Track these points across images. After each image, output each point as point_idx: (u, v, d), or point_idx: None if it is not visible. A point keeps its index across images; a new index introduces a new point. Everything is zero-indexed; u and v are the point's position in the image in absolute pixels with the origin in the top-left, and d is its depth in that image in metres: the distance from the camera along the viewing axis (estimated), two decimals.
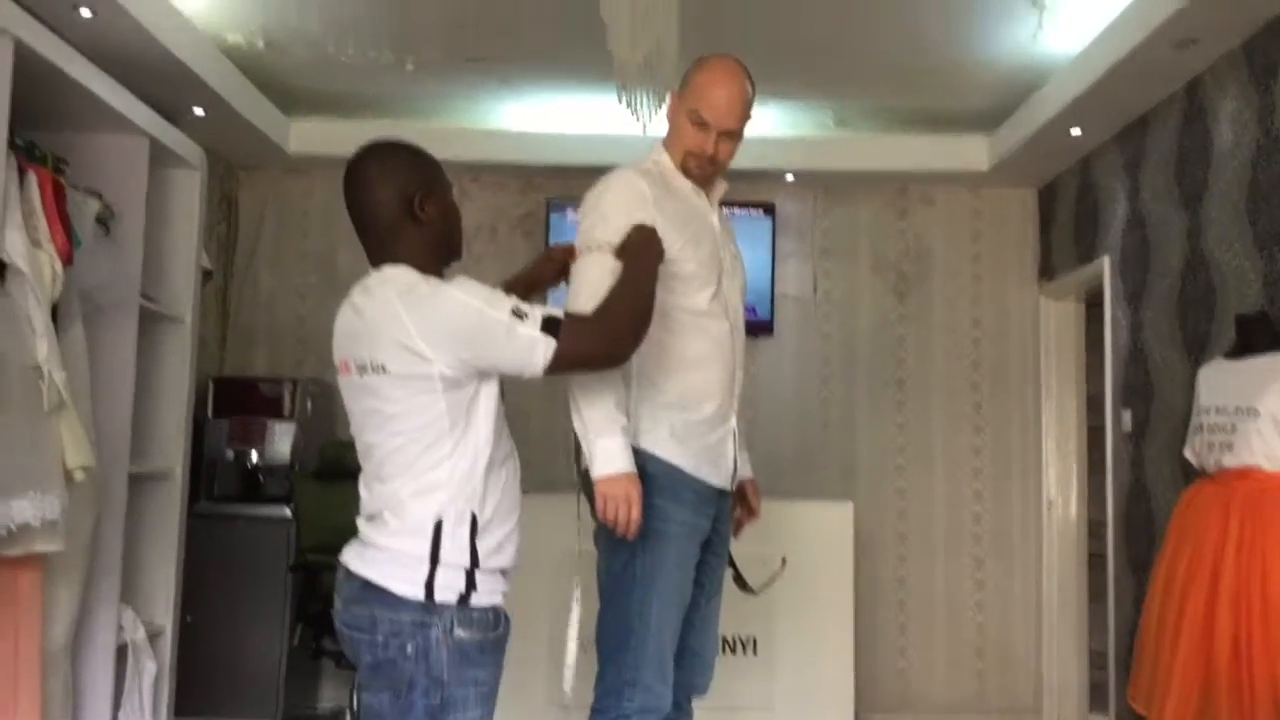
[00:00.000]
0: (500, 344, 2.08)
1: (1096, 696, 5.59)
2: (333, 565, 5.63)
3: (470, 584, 2.08)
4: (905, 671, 5.93)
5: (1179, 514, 3.76)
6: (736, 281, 2.87)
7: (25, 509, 2.86)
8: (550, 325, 2.10)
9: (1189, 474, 3.96)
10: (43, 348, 3.02)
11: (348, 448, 6.27)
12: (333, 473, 5.46)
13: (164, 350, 4.04)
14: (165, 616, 3.98)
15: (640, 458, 2.62)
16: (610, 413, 2.53)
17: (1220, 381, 3.71)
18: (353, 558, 2.16)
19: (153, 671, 3.77)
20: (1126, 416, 4.90)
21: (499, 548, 2.14)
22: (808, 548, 4.94)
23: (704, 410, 2.70)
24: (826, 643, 4.94)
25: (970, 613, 5.96)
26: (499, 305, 2.09)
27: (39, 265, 3.07)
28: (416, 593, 2.06)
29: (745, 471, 2.94)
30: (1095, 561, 5.64)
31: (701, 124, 2.72)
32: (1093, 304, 5.71)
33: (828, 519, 5.07)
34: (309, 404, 5.50)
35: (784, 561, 3.32)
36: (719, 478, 2.75)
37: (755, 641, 4.87)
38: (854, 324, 6.14)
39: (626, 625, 2.62)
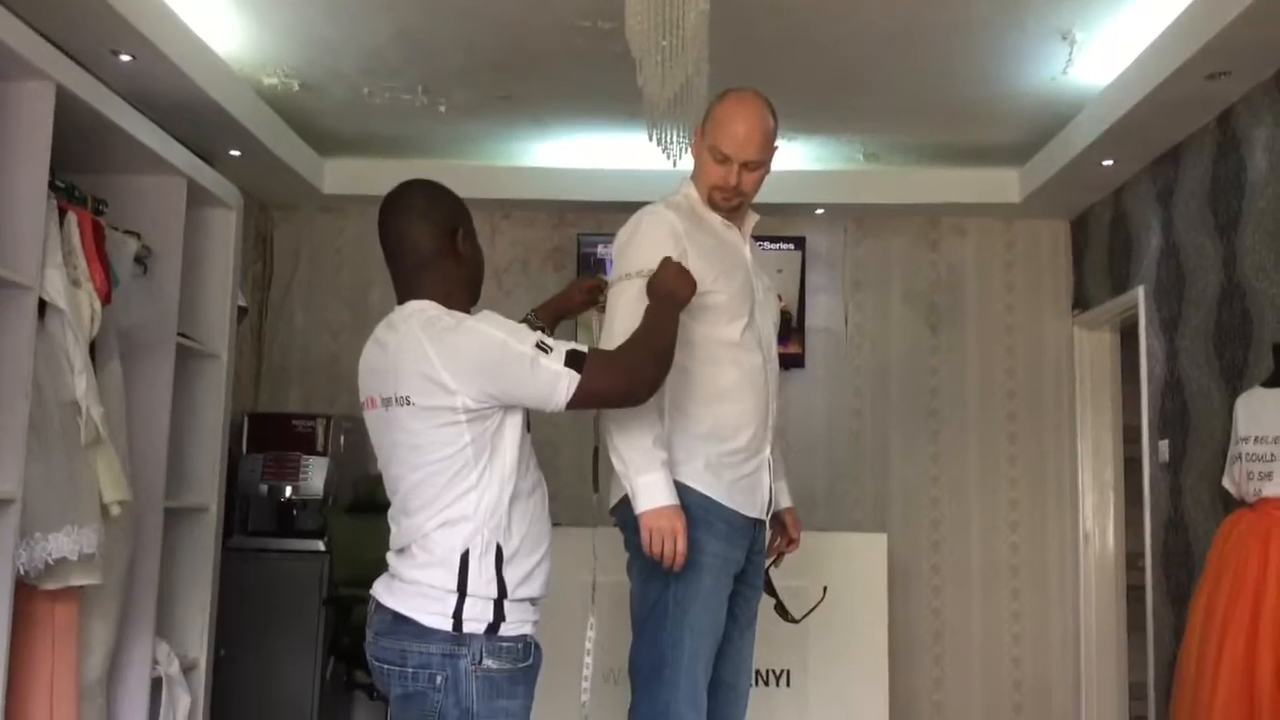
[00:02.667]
0: (524, 377, 2.09)
1: None
2: (365, 599, 5.63)
3: (499, 614, 2.10)
4: (941, 704, 5.86)
5: (1218, 544, 3.71)
6: (769, 314, 2.88)
7: (63, 543, 2.90)
8: (574, 360, 2.11)
9: (1228, 504, 3.92)
10: (81, 384, 3.06)
11: (380, 482, 6.29)
12: (366, 507, 5.49)
13: (200, 386, 4.09)
14: (200, 650, 4.00)
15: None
16: (649, 448, 2.54)
17: (1258, 410, 3.67)
18: (382, 591, 2.18)
19: (187, 705, 3.78)
20: (1164, 447, 4.85)
21: (527, 578, 2.14)
22: (842, 579, 4.90)
23: (738, 441, 2.70)
24: (861, 675, 4.89)
25: (1007, 645, 5.89)
26: (523, 339, 2.11)
27: (78, 304, 3.12)
28: (445, 624, 2.07)
29: (784, 501, 2.94)
30: (1133, 593, 5.57)
31: (723, 159, 2.74)
32: (1127, 334, 5.66)
33: (862, 550, 5.04)
34: (342, 439, 5.53)
35: (825, 590, 3.31)
36: (754, 509, 2.75)
37: (789, 674, 4.83)
38: (886, 355, 6.12)
39: (660, 656, 2.61)
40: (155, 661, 3.68)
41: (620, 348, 2.28)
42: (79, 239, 3.17)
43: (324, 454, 5.42)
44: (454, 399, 2.07)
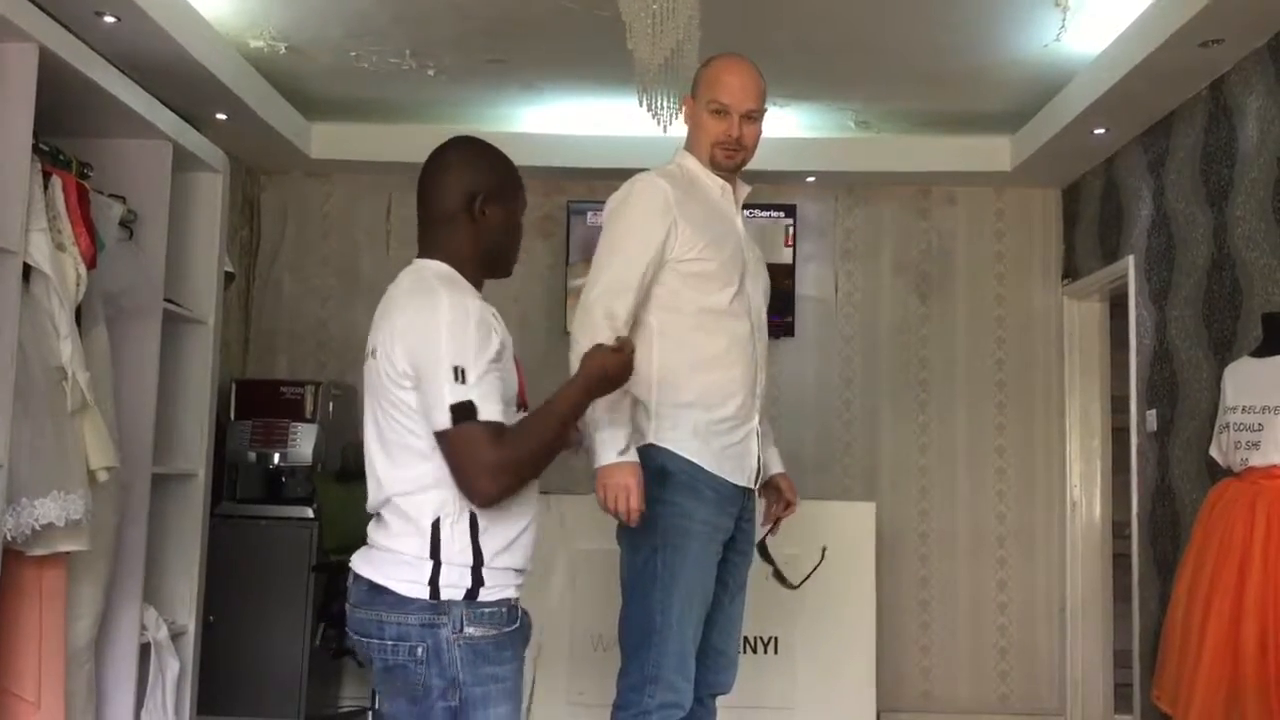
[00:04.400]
0: (427, 380, 1.99)
1: (1121, 697, 5.55)
2: None
3: (478, 579, 2.02)
4: (928, 671, 5.90)
5: (1204, 513, 3.73)
6: (760, 284, 2.89)
7: (49, 508, 2.89)
8: (461, 411, 1.96)
9: (1214, 473, 3.93)
10: (66, 349, 3.05)
11: None
12: (354, 474, 5.47)
13: (187, 352, 4.07)
14: (188, 616, 4.01)
15: (662, 456, 2.63)
16: (612, 405, 2.53)
17: (1247, 380, 3.68)
18: (359, 560, 2.12)
19: (175, 670, 3.79)
20: (1151, 416, 4.87)
21: (507, 548, 2.06)
22: (830, 548, 4.91)
23: (726, 409, 2.71)
24: (849, 642, 4.93)
25: (993, 613, 5.93)
26: (462, 349, 1.98)
27: (63, 268, 3.10)
28: (421, 592, 2.00)
29: (775, 467, 2.95)
30: (1119, 561, 5.60)
31: (721, 110, 2.76)
32: (1117, 303, 5.67)
33: (850, 519, 5.06)
34: (330, 406, 5.52)
35: (824, 551, 3.32)
36: (742, 477, 2.76)
37: (777, 641, 4.86)
38: (876, 325, 6.12)
39: (649, 622, 2.62)
40: (143, 628, 3.68)
41: (507, 447, 1.99)
42: (63, 203, 3.15)
43: (312, 421, 5.41)
44: (397, 361, 2.03)
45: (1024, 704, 5.86)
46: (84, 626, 3.30)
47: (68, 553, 3.08)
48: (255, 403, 5.45)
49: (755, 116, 2.79)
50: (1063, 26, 4.37)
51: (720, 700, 2.86)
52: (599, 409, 2.49)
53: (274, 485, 5.45)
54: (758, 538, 2.93)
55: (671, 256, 2.70)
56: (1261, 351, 3.70)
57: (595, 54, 4.64)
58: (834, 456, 6.00)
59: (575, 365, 2.25)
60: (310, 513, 5.29)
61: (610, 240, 2.72)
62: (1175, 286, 4.70)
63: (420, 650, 2.00)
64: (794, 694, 4.85)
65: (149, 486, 3.70)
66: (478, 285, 2.17)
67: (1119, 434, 5.62)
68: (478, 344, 2.01)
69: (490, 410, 1.98)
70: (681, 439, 2.65)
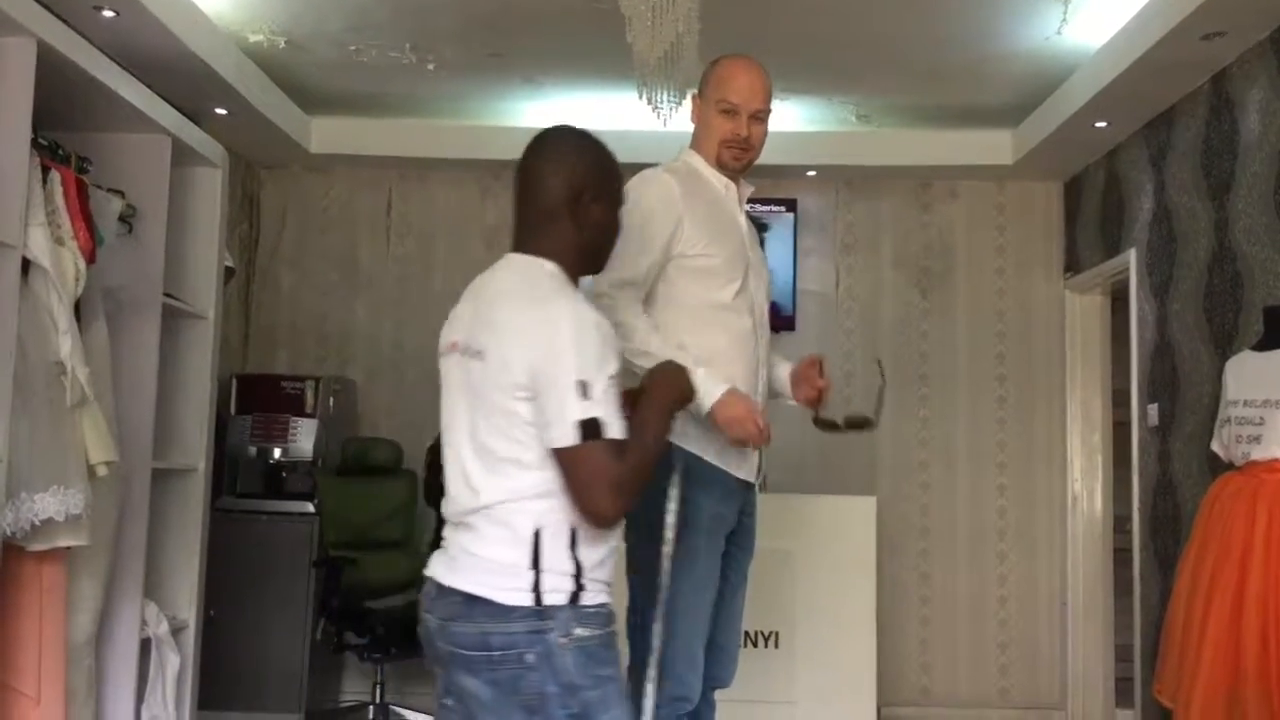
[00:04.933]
0: (553, 392, 1.91)
1: (1121, 691, 5.55)
2: (354, 560, 5.64)
3: (579, 585, 1.95)
4: (928, 666, 5.90)
5: (1206, 507, 3.72)
6: (762, 281, 2.91)
7: (49, 503, 2.89)
8: (588, 428, 1.90)
9: (1216, 467, 3.93)
10: (65, 344, 3.04)
11: (370, 444, 6.31)
12: (355, 469, 5.49)
13: (187, 347, 4.07)
14: (189, 611, 4.01)
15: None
16: (675, 352, 2.51)
17: (1248, 374, 3.67)
18: (443, 570, 2.02)
19: (176, 665, 3.79)
20: (1153, 410, 4.86)
21: (601, 563, 1.99)
22: (830, 542, 4.93)
23: None
24: (849, 637, 4.93)
25: (994, 607, 5.92)
26: (588, 366, 1.91)
27: (62, 263, 3.09)
28: (525, 599, 1.92)
29: (783, 375, 2.94)
30: (1120, 556, 5.60)
31: (730, 110, 2.78)
32: (1118, 297, 5.66)
33: (850, 513, 5.06)
34: (331, 401, 5.52)
35: (881, 367, 3.25)
36: (744, 470, 2.78)
37: (778, 635, 4.86)
38: (877, 319, 6.11)
39: (656, 616, 2.62)
40: (144, 622, 3.68)
41: (628, 460, 1.95)
42: (62, 197, 3.14)
43: (313, 416, 5.41)
44: (514, 370, 1.94)
45: (1024, 698, 5.86)
46: (84, 621, 3.29)
47: (68, 548, 3.07)
48: (255, 398, 5.46)
49: (763, 117, 2.82)
50: (1064, 19, 4.36)
51: (721, 694, 2.86)
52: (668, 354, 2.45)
53: (274, 480, 5.44)
54: (813, 416, 2.86)
55: (676, 252, 2.71)
56: (1263, 345, 3.69)
57: (595, 47, 4.62)
58: (834, 451, 5.98)
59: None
60: (311, 508, 5.29)
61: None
62: (1176, 280, 4.70)
63: (530, 657, 1.91)
64: (794, 688, 4.85)
65: (149, 481, 3.70)
66: (574, 281, 2.09)
67: (1120, 428, 5.62)
68: (600, 357, 1.93)
69: (615, 428, 1.92)
70: (685, 432, 2.66)
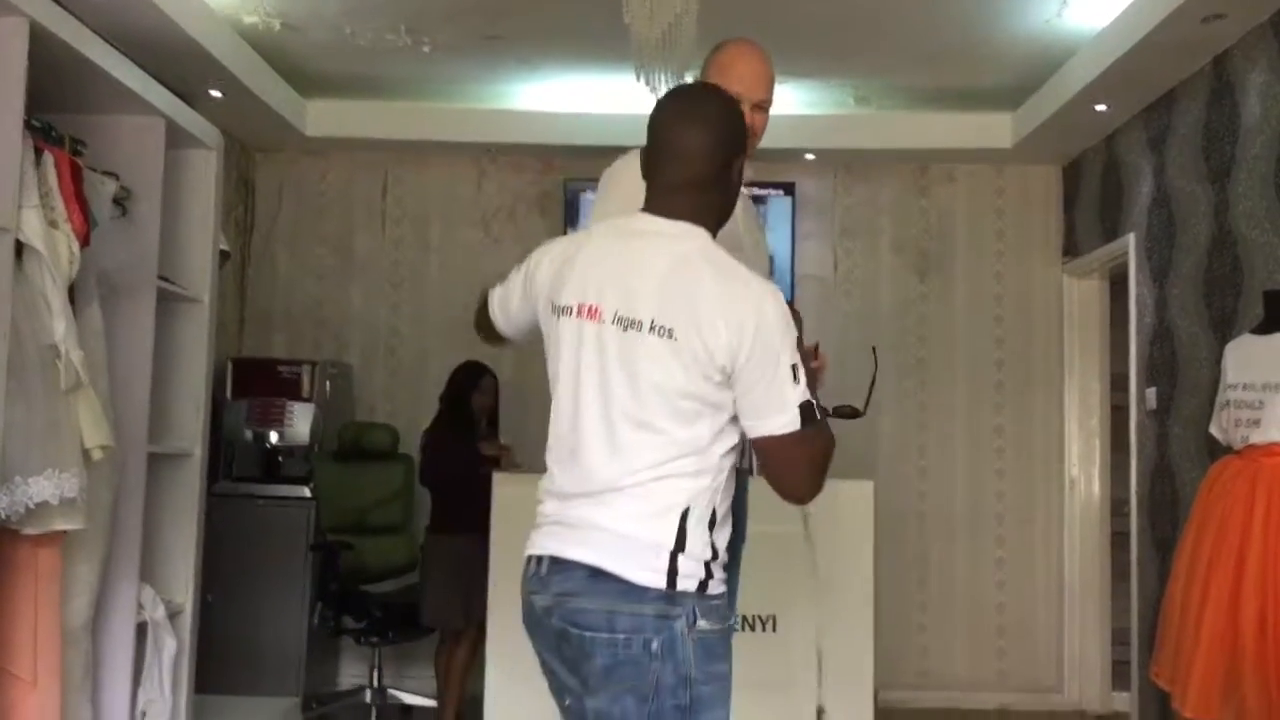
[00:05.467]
0: (766, 379, 1.87)
1: (1119, 674, 5.56)
2: (351, 544, 5.62)
3: (709, 572, 1.91)
4: (926, 649, 5.91)
5: (1204, 491, 3.72)
6: (757, 266, 2.86)
7: (44, 487, 2.87)
8: (808, 412, 1.89)
9: (1214, 451, 3.92)
10: (60, 327, 3.02)
11: (366, 429, 6.29)
12: (351, 454, 5.48)
13: (182, 331, 4.04)
14: (185, 595, 4.00)
15: None
16: None
17: (1247, 358, 3.67)
18: (572, 544, 1.93)
19: (173, 649, 3.78)
20: (1151, 394, 4.85)
21: (726, 548, 1.97)
22: (828, 526, 4.91)
23: None
24: (846, 621, 4.91)
25: (991, 591, 5.93)
26: (792, 349, 1.89)
27: (56, 246, 3.07)
28: (658, 581, 1.86)
29: None
30: (1118, 540, 5.60)
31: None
32: (1117, 282, 5.65)
33: (848, 497, 5.04)
34: (328, 385, 5.50)
35: (875, 355, 3.10)
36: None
37: (774, 619, 4.85)
38: (875, 303, 6.10)
39: None
40: (140, 607, 3.67)
41: (827, 438, 1.95)
42: (56, 179, 3.11)
43: (309, 400, 5.39)
44: (715, 352, 1.86)
45: (1022, 681, 5.87)
46: (80, 606, 3.29)
47: (63, 532, 3.06)
48: (252, 382, 5.44)
49: (765, 105, 2.76)
50: (1065, 2, 4.34)
51: None
52: None
53: (271, 465, 5.43)
54: None
55: None
56: (1262, 329, 3.69)
57: (592, 29, 4.60)
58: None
59: None
60: (308, 492, 5.29)
61: (597, 214, 2.72)
62: (1176, 264, 4.68)
63: (655, 644, 1.85)
64: (791, 672, 4.85)
65: (145, 466, 3.68)
66: None
67: (1118, 412, 5.62)
68: (794, 338, 1.92)
69: (818, 409, 1.92)
70: None
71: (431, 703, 5.10)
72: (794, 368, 1.88)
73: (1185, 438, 4.52)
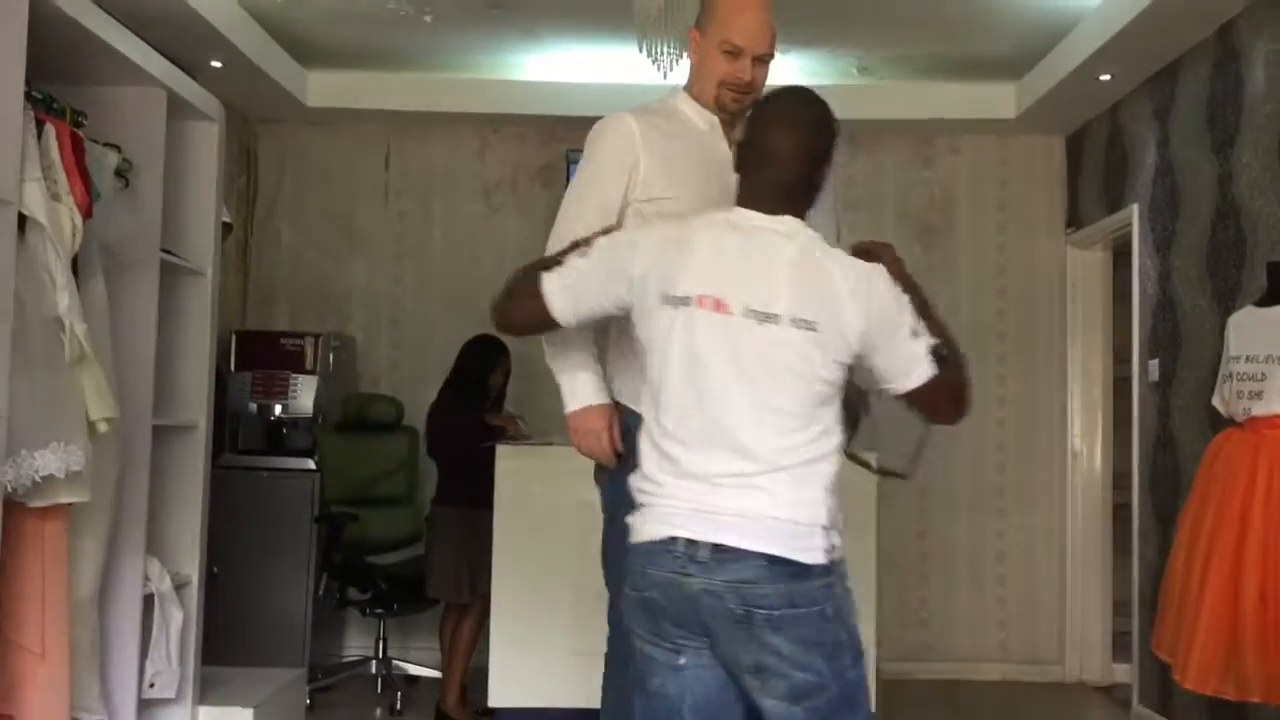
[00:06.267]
0: (896, 345, 2.12)
1: (1120, 646, 5.59)
2: (355, 516, 5.61)
3: (841, 539, 2.14)
4: (927, 622, 5.93)
5: (1206, 463, 3.72)
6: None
7: (49, 460, 2.88)
8: (938, 355, 2.13)
9: (1216, 423, 3.92)
10: (63, 300, 3.02)
11: (370, 401, 6.30)
12: (355, 426, 5.49)
13: (185, 303, 4.04)
14: (191, 567, 4.01)
15: (622, 413, 2.58)
16: (575, 351, 2.52)
17: (1251, 330, 3.66)
18: (739, 533, 2.06)
19: (179, 621, 3.80)
20: (1154, 366, 4.85)
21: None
22: None
23: None
24: None
25: (993, 564, 5.95)
26: (908, 313, 2.13)
27: (58, 218, 3.06)
28: (821, 559, 2.08)
29: None
30: (1120, 512, 5.61)
31: (734, 51, 2.58)
32: (1120, 253, 5.64)
33: (850, 470, 5.04)
34: (331, 358, 5.51)
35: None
36: None
37: None
38: None
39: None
40: (147, 578, 3.69)
41: (964, 365, 2.22)
42: (58, 152, 3.10)
43: (313, 372, 5.40)
44: (849, 337, 2.08)
45: (1023, 654, 5.90)
46: (87, 578, 3.30)
47: (69, 504, 3.07)
48: (255, 354, 5.45)
49: (766, 59, 2.67)
50: None
51: None
52: (558, 360, 2.54)
53: (275, 437, 5.45)
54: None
55: (633, 197, 2.59)
56: (1266, 301, 3.68)
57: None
58: None
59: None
60: (312, 464, 5.30)
61: (574, 184, 2.72)
62: (1179, 235, 4.67)
63: (829, 609, 2.09)
64: None
65: (150, 438, 3.69)
66: None
67: (1121, 384, 5.62)
68: (905, 300, 2.15)
69: (941, 347, 2.15)
70: (637, 393, 2.39)
71: (436, 674, 5.13)
72: (914, 330, 2.12)
73: (1187, 410, 4.52)
